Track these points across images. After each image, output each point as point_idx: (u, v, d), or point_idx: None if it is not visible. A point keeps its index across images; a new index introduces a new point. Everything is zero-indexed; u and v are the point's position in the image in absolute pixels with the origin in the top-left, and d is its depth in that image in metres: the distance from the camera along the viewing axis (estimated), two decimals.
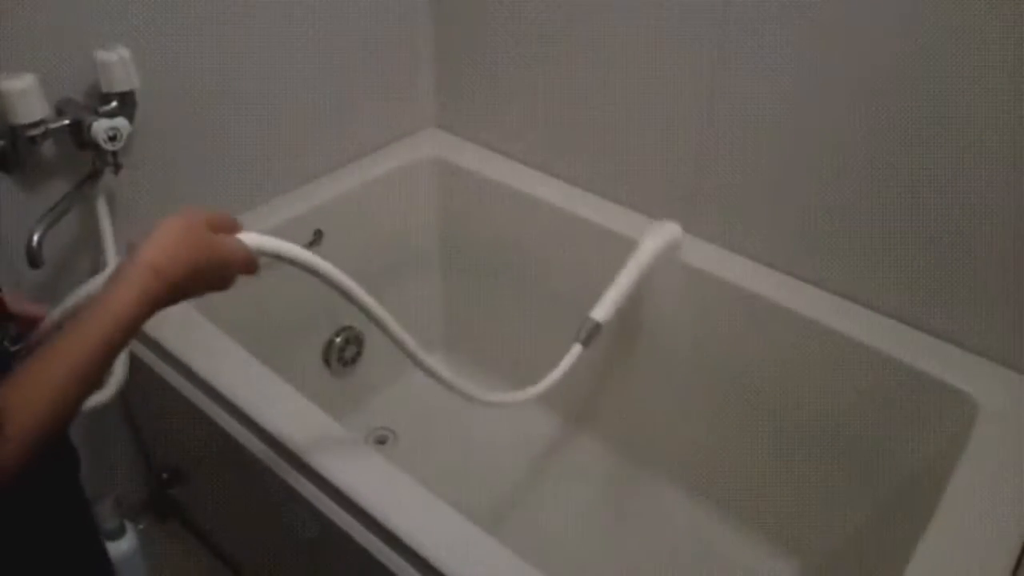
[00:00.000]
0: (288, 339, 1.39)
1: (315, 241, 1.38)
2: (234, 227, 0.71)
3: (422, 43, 1.52)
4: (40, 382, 0.55)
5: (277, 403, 0.99)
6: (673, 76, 1.21)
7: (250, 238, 0.71)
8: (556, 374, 1.11)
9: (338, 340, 1.51)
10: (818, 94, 1.08)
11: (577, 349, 1.14)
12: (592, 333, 1.15)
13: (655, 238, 1.22)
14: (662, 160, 1.30)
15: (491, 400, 1.04)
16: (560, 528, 1.38)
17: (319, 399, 1.00)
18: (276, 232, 1.34)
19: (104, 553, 0.77)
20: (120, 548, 1.24)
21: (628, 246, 1.32)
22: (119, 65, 1.03)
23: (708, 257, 1.27)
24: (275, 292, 1.30)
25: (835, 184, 1.12)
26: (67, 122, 1.02)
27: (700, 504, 1.40)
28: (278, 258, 0.74)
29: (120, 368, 1.10)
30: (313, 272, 0.77)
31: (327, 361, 1.52)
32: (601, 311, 1.16)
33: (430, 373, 0.92)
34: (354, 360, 1.55)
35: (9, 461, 0.52)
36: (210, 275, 0.67)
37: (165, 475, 1.33)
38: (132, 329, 0.60)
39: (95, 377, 0.58)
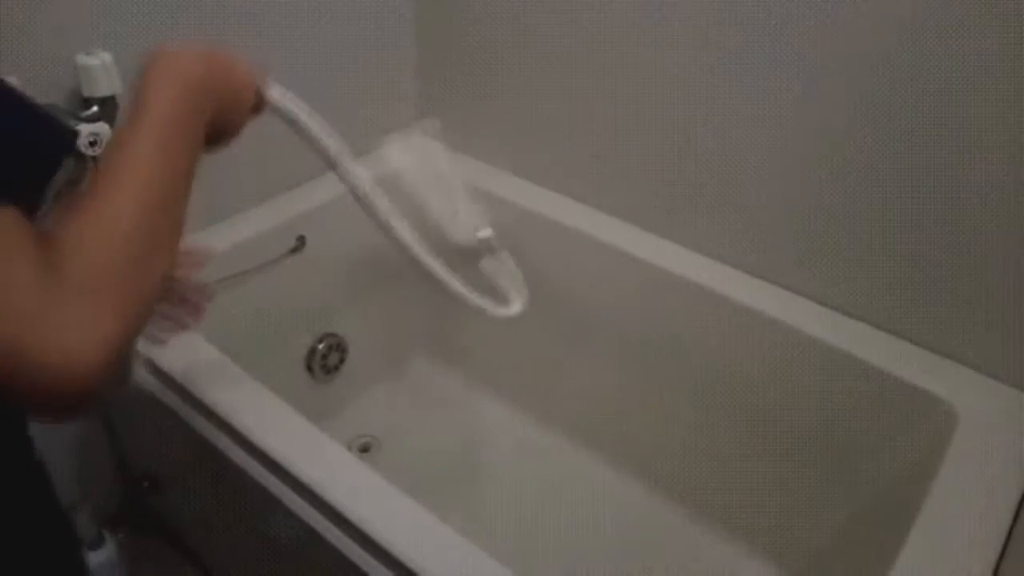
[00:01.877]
0: (270, 346, 1.38)
1: (298, 247, 1.37)
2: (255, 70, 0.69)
3: (406, 50, 1.52)
4: (122, 163, 0.51)
5: (259, 411, 0.98)
6: (659, 83, 1.22)
7: (270, 86, 0.71)
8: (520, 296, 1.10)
9: (321, 347, 1.50)
10: (815, 98, 1.08)
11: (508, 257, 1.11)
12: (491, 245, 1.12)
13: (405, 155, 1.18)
14: (647, 167, 1.31)
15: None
16: (545, 534, 1.37)
17: (302, 406, 0.99)
18: (259, 238, 1.34)
19: (83, 565, 0.76)
20: (99, 558, 1.23)
21: (617, 255, 1.33)
22: (100, 69, 1.02)
23: (698, 267, 1.28)
24: (257, 299, 1.29)
25: (815, 196, 1.13)
26: None
27: (683, 509, 1.40)
28: (283, 117, 0.75)
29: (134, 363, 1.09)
30: (312, 143, 0.80)
31: (310, 368, 1.51)
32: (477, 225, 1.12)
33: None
34: (337, 367, 1.54)
35: (85, 324, 0.43)
36: (227, 89, 0.64)
37: (145, 484, 1.32)
38: (183, 120, 0.57)
39: (171, 163, 0.54)
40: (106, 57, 1.02)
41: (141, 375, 1.08)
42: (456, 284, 0.96)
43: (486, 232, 1.11)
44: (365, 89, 1.48)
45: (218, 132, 0.66)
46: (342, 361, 1.55)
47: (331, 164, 0.79)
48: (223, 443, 0.98)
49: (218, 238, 1.29)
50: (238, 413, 0.97)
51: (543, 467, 1.51)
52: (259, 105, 0.71)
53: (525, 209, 1.43)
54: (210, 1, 1.17)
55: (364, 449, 1.53)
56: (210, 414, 1.00)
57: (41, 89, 1.02)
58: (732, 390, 1.28)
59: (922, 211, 1.05)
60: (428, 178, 1.11)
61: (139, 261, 0.49)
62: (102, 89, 1.03)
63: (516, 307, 1.11)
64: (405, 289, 1.66)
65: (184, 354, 1.06)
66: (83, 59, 1.01)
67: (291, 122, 0.73)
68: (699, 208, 1.28)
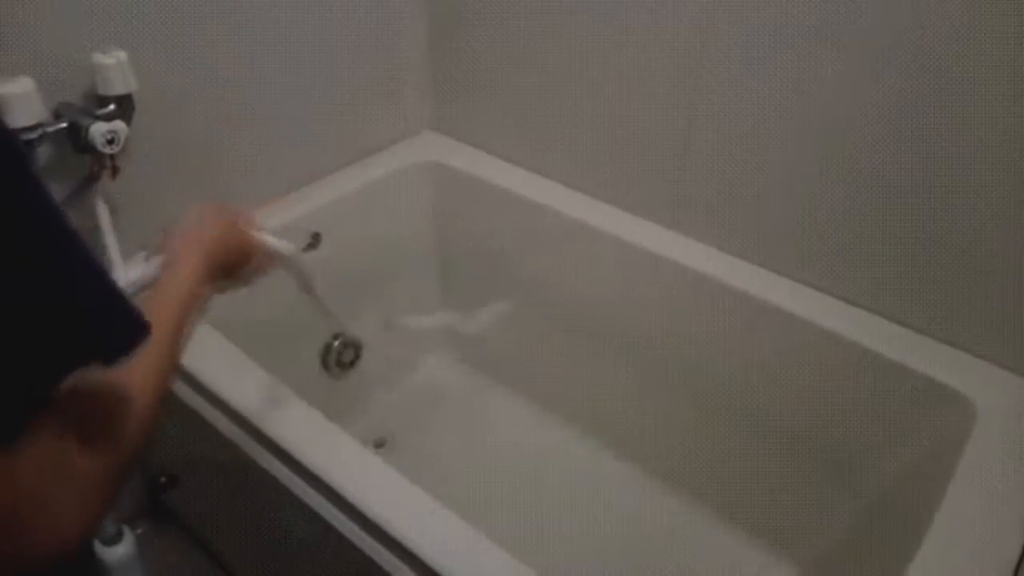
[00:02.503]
0: (286, 343, 1.38)
1: (312, 244, 1.38)
2: (252, 223, 0.79)
3: (416, 46, 1.52)
4: (150, 365, 0.54)
5: (276, 407, 0.98)
6: (666, 75, 1.22)
7: (265, 238, 0.80)
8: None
9: (336, 344, 1.51)
10: (810, 94, 1.08)
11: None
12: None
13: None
14: (655, 160, 1.30)
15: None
16: (559, 531, 1.37)
17: (317, 403, 0.99)
18: (274, 235, 1.34)
19: (89, 559, 0.77)
20: (117, 553, 1.23)
21: (623, 249, 1.33)
22: (116, 68, 1.02)
23: (702, 258, 1.27)
24: (273, 296, 1.29)
25: (830, 183, 1.12)
26: (64, 125, 1.01)
27: (696, 506, 1.40)
28: (283, 258, 0.83)
29: None
30: (303, 283, 0.88)
31: (325, 365, 1.52)
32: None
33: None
34: (352, 364, 1.55)
35: (134, 439, 0.50)
36: (236, 251, 0.73)
37: (163, 479, 1.33)
38: (200, 298, 0.65)
39: (180, 349, 0.60)
40: (121, 56, 1.03)
41: None
42: None
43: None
44: (380, 90, 1.48)
45: (229, 281, 0.76)
46: (357, 357, 1.55)
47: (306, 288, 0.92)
48: (240, 439, 0.99)
49: None
50: (255, 409, 0.98)
51: (556, 463, 1.51)
52: (264, 262, 0.81)
53: (534, 202, 1.43)
54: (223, 4, 1.17)
55: (379, 445, 1.54)
56: (227, 410, 1.00)
57: (59, 88, 1.03)
58: (745, 384, 1.27)
59: (937, 203, 1.03)
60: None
61: (163, 393, 0.56)
62: (118, 87, 1.04)
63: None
64: (418, 285, 1.67)
65: (202, 350, 1.07)
66: (99, 58, 1.02)
67: (285, 263, 0.86)
68: (705, 201, 1.27)
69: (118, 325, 0.47)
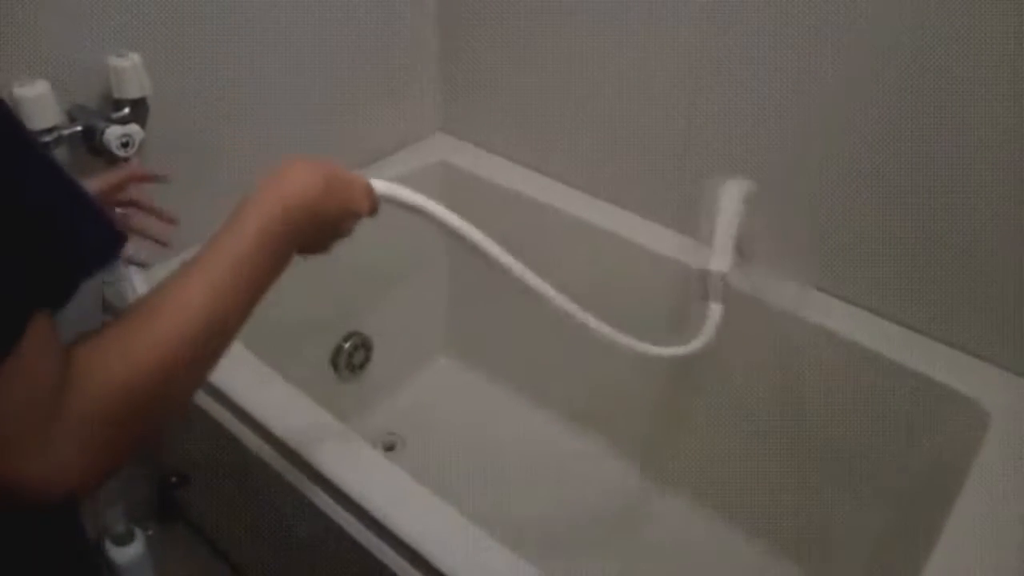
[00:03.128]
0: (297, 344, 1.39)
1: None
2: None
3: (426, 48, 1.52)
4: (177, 299, 0.50)
5: (286, 408, 0.99)
6: (667, 76, 1.22)
7: (375, 182, 0.74)
8: (703, 338, 1.08)
9: (347, 345, 1.51)
10: (809, 91, 1.08)
11: (718, 309, 1.10)
12: (722, 286, 1.11)
13: (732, 193, 1.16)
14: (657, 161, 1.31)
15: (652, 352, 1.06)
16: (569, 534, 1.37)
17: (328, 404, 1.00)
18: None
19: (92, 558, 0.76)
20: (128, 553, 1.24)
21: (634, 250, 1.33)
22: (131, 71, 1.03)
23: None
24: (284, 297, 1.30)
25: (844, 191, 1.12)
26: (79, 128, 1.02)
27: (708, 511, 1.39)
28: (401, 205, 0.78)
29: None
30: (438, 222, 0.82)
31: (335, 366, 1.52)
32: (721, 260, 1.10)
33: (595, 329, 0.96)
34: (362, 365, 1.55)
35: (70, 464, 0.42)
36: (339, 191, 0.66)
37: (173, 480, 1.33)
38: (265, 244, 0.57)
39: (229, 303, 0.53)
40: (136, 59, 1.04)
41: None
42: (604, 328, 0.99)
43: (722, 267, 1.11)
44: (389, 92, 1.49)
45: (325, 243, 0.69)
46: (367, 359, 1.56)
47: (456, 235, 0.85)
48: (250, 440, 0.99)
49: None
50: (265, 410, 0.98)
51: (567, 465, 1.51)
52: (375, 206, 0.75)
53: (539, 202, 1.44)
54: (238, 8, 1.18)
55: (389, 447, 1.54)
56: (238, 411, 1.01)
57: (74, 91, 1.04)
58: (753, 391, 1.26)
59: (938, 204, 1.03)
60: None
61: (147, 416, 0.47)
62: (133, 91, 1.05)
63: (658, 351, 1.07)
64: (430, 288, 1.67)
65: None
66: (114, 61, 1.03)
67: (407, 207, 0.80)
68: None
69: (92, 235, 0.45)
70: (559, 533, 1.38)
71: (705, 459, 1.37)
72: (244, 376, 1.04)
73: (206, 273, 0.53)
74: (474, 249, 0.82)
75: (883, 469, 1.15)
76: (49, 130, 0.98)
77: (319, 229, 0.65)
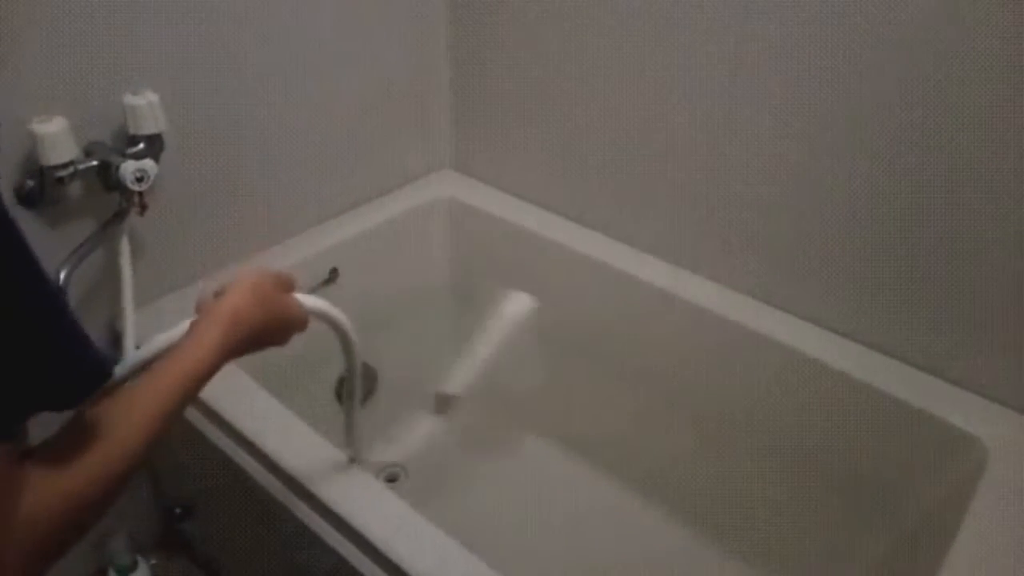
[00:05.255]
0: (301, 375, 1.40)
1: (331, 279, 1.40)
2: (292, 286, 0.78)
3: (438, 85, 1.55)
4: (129, 411, 0.56)
5: (290, 439, 1.00)
6: (685, 119, 1.24)
7: (306, 299, 0.78)
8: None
9: (345, 374, 1.52)
10: (828, 133, 1.09)
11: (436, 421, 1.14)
12: (445, 404, 1.15)
13: (510, 308, 1.22)
14: (672, 202, 1.32)
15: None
16: (569, 563, 1.37)
17: (332, 435, 1.01)
18: (293, 270, 1.37)
19: None
20: None
21: (641, 289, 1.34)
22: (147, 108, 1.06)
23: (716, 299, 1.29)
24: None
25: (841, 224, 1.13)
26: (95, 163, 1.05)
27: (710, 545, 1.39)
28: (324, 318, 0.82)
29: None
30: (340, 336, 0.87)
31: (339, 397, 1.53)
32: (454, 383, 1.14)
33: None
34: (366, 398, 1.56)
35: (79, 483, 0.51)
36: (275, 328, 0.73)
37: (178, 510, 1.34)
38: (211, 372, 0.64)
39: (174, 418, 0.60)
40: (152, 97, 1.06)
41: None
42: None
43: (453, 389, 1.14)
44: (400, 128, 1.52)
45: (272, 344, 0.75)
46: (371, 391, 1.56)
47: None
48: (255, 470, 1.00)
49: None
50: (269, 441, 0.99)
51: (570, 497, 1.51)
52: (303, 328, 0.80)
53: (549, 240, 1.45)
54: (251, 47, 1.21)
55: (392, 479, 1.54)
56: (242, 441, 1.02)
57: (90, 127, 1.07)
58: (756, 425, 1.27)
59: (949, 246, 1.04)
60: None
61: (139, 452, 0.56)
62: (148, 127, 1.07)
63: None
64: (434, 321, 1.68)
65: (217, 382, 1.08)
66: (130, 99, 1.05)
67: (328, 322, 0.85)
68: (724, 243, 1.28)
69: (80, 370, 0.51)
70: (561, 566, 1.37)
71: (714, 496, 1.37)
72: (249, 407, 1.05)
73: (156, 403, 0.59)
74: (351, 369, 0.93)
75: (883, 504, 1.15)
76: (65, 165, 1.01)
77: (266, 333, 0.73)
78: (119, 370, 0.74)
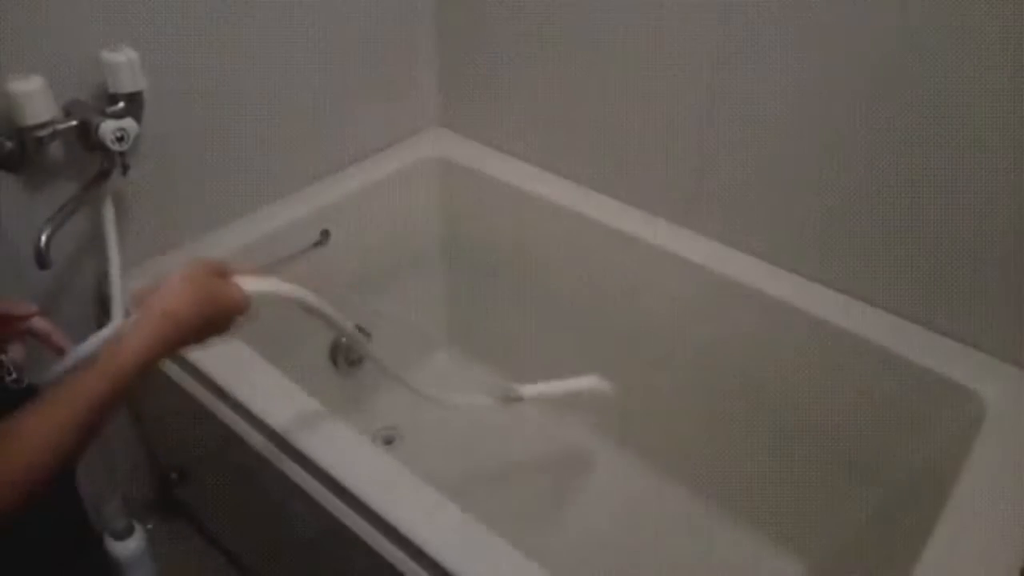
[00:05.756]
0: (295, 339, 1.39)
1: (322, 241, 1.38)
2: (226, 271, 0.75)
3: (424, 42, 1.52)
4: (51, 417, 0.57)
5: (285, 403, 0.99)
6: (675, 74, 1.21)
7: (245, 283, 0.75)
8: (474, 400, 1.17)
9: (344, 340, 1.51)
10: (819, 93, 1.08)
11: (488, 402, 1.17)
12: (512, 399, 1.17)
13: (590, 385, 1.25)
14: (664, 157, 1.30)
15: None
16: (566, 528, 1.38)
17: (326, 398, 1.00)
18: (283, 232, 1.35)
19: (101, 558, 0.78)
20: (128, 548, 1.25)
21: (631, 244, 1.33)
22: (126, 66, 1.03)
23: (710, 254, 1.27)
24: None
25: (838, 181, 1.12)
26: (75, 123, 1.02)
27: (704, 504, 1.40)
28: (273, 297, 0.79)
29: None
30: (304, 308, 0.83)
31: (334, 361, 1.52)
32: (530, 391, 1.19)
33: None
34: (361, 360, 1.55)
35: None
36: (215, 319, 0.71)
37: (173, 475, 1.34)
38: (146, 371, 0.63)
39: (106, 418, 0.61)
40: (131, 54, 1.03)
41: (167, 367, 1.10)
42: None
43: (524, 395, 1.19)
44: (386, 85, 1.49)
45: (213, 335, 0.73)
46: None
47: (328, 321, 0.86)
48: (249, 434, 1.00)
49: (243, 231, 1.31)
50: (264, 405, 0.99)
51: (564, 459, 1.51)
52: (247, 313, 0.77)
53: (541, 199, 1.43)
54: (236, 2, 1.18)
55: (388, 441, 1.54)
56: (236, 406, 1.01)
57: (69, 86, 1.03)
58: (753, 382, 1.27)
59: (949, 202, 1.03)
60: None
61: (67, 453, 0.58)
62: (127, 85, 1.04)
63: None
64: (428, 282, 1.67)
65: (210, 347, 1.07)
66: (108, 56, 1.02)
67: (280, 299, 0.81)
68: (719, 198, 1.27)
69: None
70: (556, 526, 1.38)
71: (702, 452, 1.38)
72: (243, 371, 1.04)
73: (59, 422, 0.59)
74: (340, 332, 0.88)
75: (880, 458, 1.15)
76: (44, 125, 0.98)
77: (178, 350, 0.70)
78: (48, 376, 0.74)
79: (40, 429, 0.57)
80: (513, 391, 1.16)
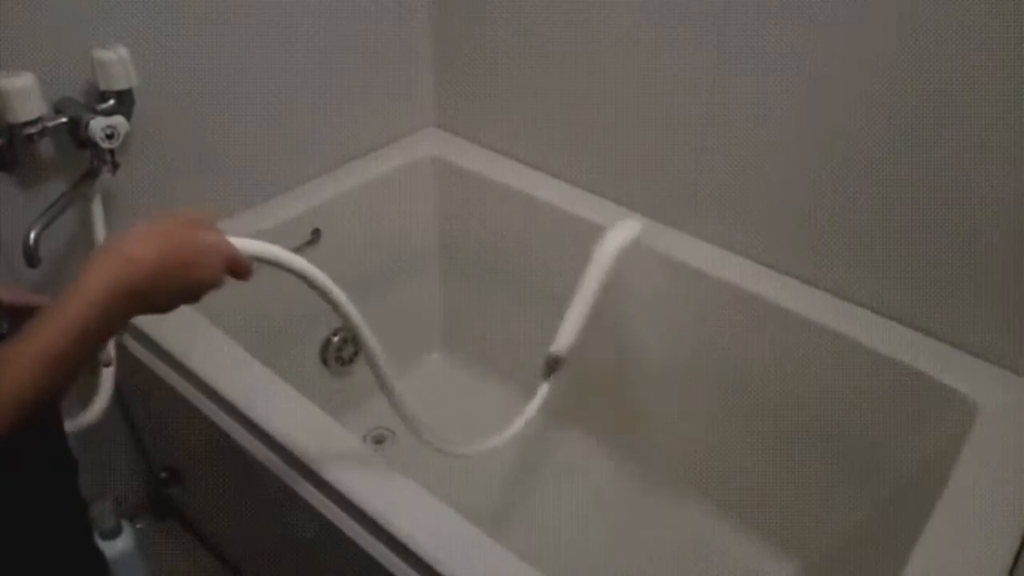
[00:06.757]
0: (286, 338, 1.39)
1: (312, 240, 1.38)
2: (208, 222, 0.68)
3: (421, 42, 1.51)
4: (9, 363, 0.53)
5: (275, 402, 0.99)
6: (673, 75, 1.21)
7: (237, 241, 0.68)
8: (527, 415, 1.04)
9: (335, 339, 1.51)
10: (818, 94, 1.08)
11: (544, 388, 1.06)
12: (555, 367, 1.06)
13: (609, 245, 1.13)
14: (662, 160, 1.30)
15: (456, 452, 0.98)
16: (560, 528, 1.38)
17: (317, 398, 0.99)
18: (274, 232, 1.35)
19: (99, 557, 0.77)
20: (117, 547, 1.24)
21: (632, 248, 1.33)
22: (117, 64, 1.02)
23: (707, 257, 1.27)
24: (272, 291, 1.29)
25: (834, 184, 1.12)
26: (64, 120, 1.01)
27: (699, 504, 1.40)
28: (264, 261, 0.72)
29: (105, 391, 1.10)
30: (297, 275, 0.75)
31: (325, 360, 1.52)
32: (562, 342, 1.06)
33: (392, 401, 0.88)
34: (352, 359, 1.55)
35: None
36: (188, 264, 0.63)
37: (164, 475, 1.33)
38: (105, 316, 0.57)
39: (69, 363, 0.55)
40: (122, 51, 1.03)
41: (158, 367, 1.09)
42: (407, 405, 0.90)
43: (560, 350, 1.04)
44: (381, 84, 1.48)
45: (167, 309, 0.64)
46: (356, 353, 1.55)
47: (322, 293, 0.78)
48: (239, 434, 0.99)
49: (233, 230, 1.29)
50: (254, 404, 0.98)
51: (555, 460, 1.51)
52: (240, 270, 0.69)
53: (536, 200, 1.43)
54: (227, 1, 1.17)
55: (378, 441, 1.54)
56: (226, 405, 1.00)
57: (59, 83, 1.03)
58: (745, 384, 1.27)
59: (935, 204, 1.03)
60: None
61: (31, 399, 0.53)
62: (118, 83, 1.04)
63: (463, 450, 1.00)
64: (419, 283, 1.67)
65: (201, 347, 1.07)
66: (99, 53, 1.02)
67: (276, 265, 0.74)
68: (717, 202, 1.27)
69: None
70: (550, 527, 1.38)
71: (698, 453, 1.38)
72: (233, 370, 1.03)
73: (26, 361, 0.54)
74: (335, 307, 0.80)
75: (875, 460, 1.15)
76: (34, 122, 0.97)
77: (157, 305, 0.63)
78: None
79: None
80: (553, 354, 1.05)
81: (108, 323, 0.58)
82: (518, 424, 1.03)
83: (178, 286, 0.63)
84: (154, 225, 0.62)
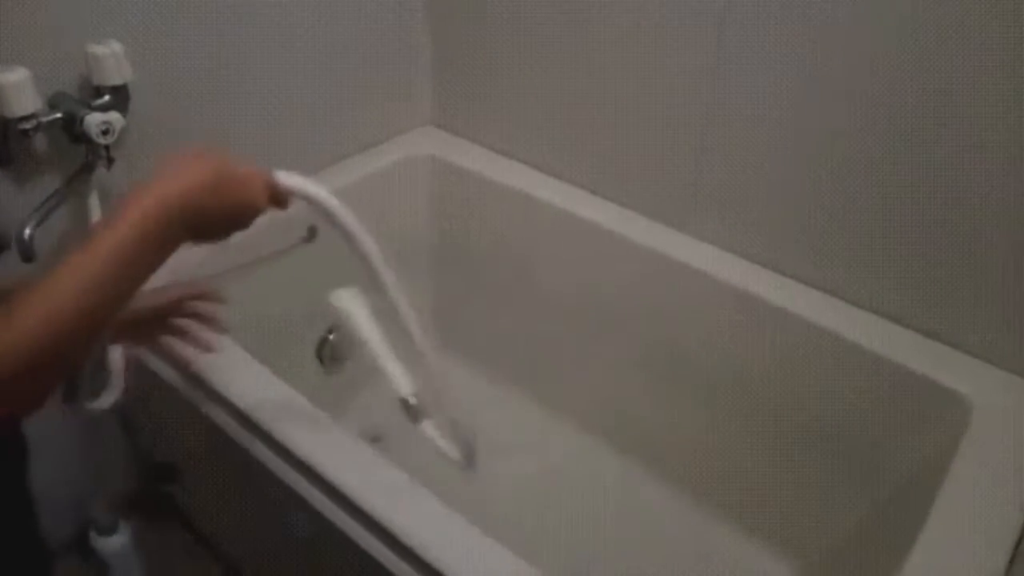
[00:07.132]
0: (282, 336, 1.38)
1: (309, 238, 1.37)
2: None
3: (419, 40, 1.51)
4: (46, 291, 0.53)
5: (272, 400, 0.98)
6: (672, 75, 1.21)
7: (279, 175, 0.70)
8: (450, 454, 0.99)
9: (332, 337, 1.50)
10: (818, 94, 1.07)
11: (429, 426, 1.02)
12: (416, 409, 1.02)
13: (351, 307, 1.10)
14: (662, 160, 1.29)
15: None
16: (558, 527, 1.37)
17: (313, 396, 0.99)
18: (270, 228, 1.34)
19: (43, 553, 0.75)
20: (112, 544, 1.24)
21: (624, 247, 1.32)
22: (111, 59, 1.02)
23: (706, 258, 1.27)
24: (269, 289, 1.29)
25: (834, 184, 1.12)
26: (59, 115, 1.01)
27: (698, 504, 1.40)
28: (300, 196, 0.75)
29: (117, 380, 1.10)
30: (328, 215, 0.78)
31: (321, 358, 1.51)
32: (405, 387, 1.03)
33: (427, 367, 0.88)
34: (348, 357, 1.54)
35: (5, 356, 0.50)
36: (234, 182, 0.65)
37: (160, 472, 1.33)
38: (144, 237, 0.57)
39: (106, 288, 0.55)
40: (116, 46, 1.02)
41: (155, 363, 1.09)
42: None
43: (409, 395, 1.01)
44: (378, 81, 1.48)
45: (221, 234, 0.66)
46: (353, 351, 1.55)
47: (350, 239, 0.78)
48: (236, 431, 0.99)
49: None
50: (251, 402, 0.98)
51: (553, 459, 1.51)
52: (279, 200, 0.73)
53: (532, 198, 1.43)
54: None
55: (375, 439, 1.53)
56: (223, 403, 1.00)
57: (54, 78, 1.02)
58: (745, 384, 1.27)
59: (934, 206, 1.03)
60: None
61: (65, 329, 0.54)
62: (113, 78, 1.03)
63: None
64: (416, 281, 1.66)
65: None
66: (93, 48, 1.01)
67: (315, 204, 0.76)
68: (716, 202, 1.26)
69: None
70: (548, 525, 1.38)
71: (700, 456, 1.38)
72: (230, 368, 1.03)
73: (81, 269, 0.55)
74: (362, 258, 0.81)
75: (873, 460, 1.15)
76: (28, 117, 0.97)
77: (206, 223, 0.63)
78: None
79: (33, 304, 0.53)
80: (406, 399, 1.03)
81: (150, 244, 0.57)
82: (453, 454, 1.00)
83: (228, 203, 0.64)
84: (188, 155, 0.63)
